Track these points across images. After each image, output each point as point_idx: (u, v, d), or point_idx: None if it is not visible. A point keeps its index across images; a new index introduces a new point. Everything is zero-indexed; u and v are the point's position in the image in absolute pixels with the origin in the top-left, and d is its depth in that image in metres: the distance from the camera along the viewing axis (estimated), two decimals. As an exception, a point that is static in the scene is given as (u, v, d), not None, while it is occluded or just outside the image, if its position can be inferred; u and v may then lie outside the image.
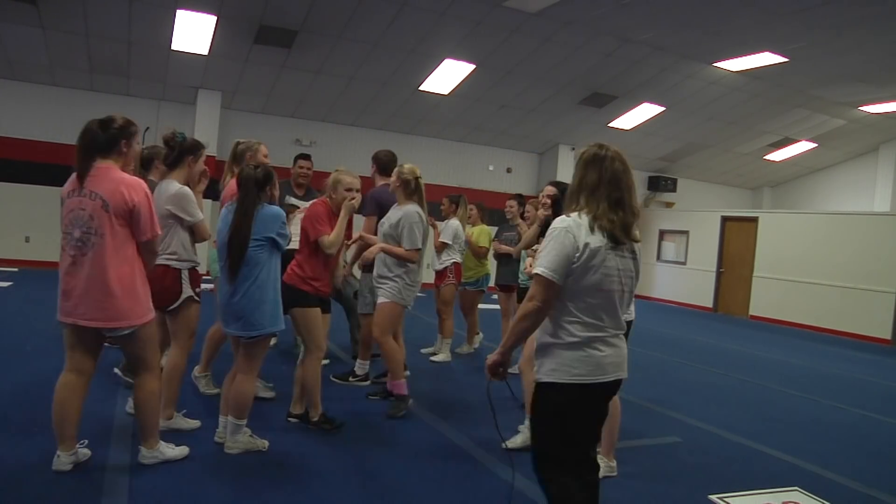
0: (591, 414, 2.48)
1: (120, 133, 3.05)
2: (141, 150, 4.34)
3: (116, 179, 3.00)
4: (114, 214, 2.96)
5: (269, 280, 3.53)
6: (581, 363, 2.35)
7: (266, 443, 3.69)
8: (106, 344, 3.29)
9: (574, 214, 2.38)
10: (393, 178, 4.69)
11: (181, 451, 3.40)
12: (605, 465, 3.64)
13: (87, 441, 3.31)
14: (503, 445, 3.86)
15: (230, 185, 4.27)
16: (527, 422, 4.07)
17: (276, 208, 3.60)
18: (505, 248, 6.32)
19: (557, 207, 4.09)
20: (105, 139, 3.01)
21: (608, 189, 2.39)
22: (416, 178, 4.61)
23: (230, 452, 3.56)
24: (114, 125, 3.04)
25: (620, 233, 2.37)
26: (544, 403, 2.43)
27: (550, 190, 4.21)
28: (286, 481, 3.30)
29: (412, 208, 4.53)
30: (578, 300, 2.35)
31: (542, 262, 2.34)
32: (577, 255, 2.30)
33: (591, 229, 2.33)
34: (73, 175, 3.07)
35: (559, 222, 2.38)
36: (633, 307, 3.58)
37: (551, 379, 2.38)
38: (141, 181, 3.11)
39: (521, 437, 4.06)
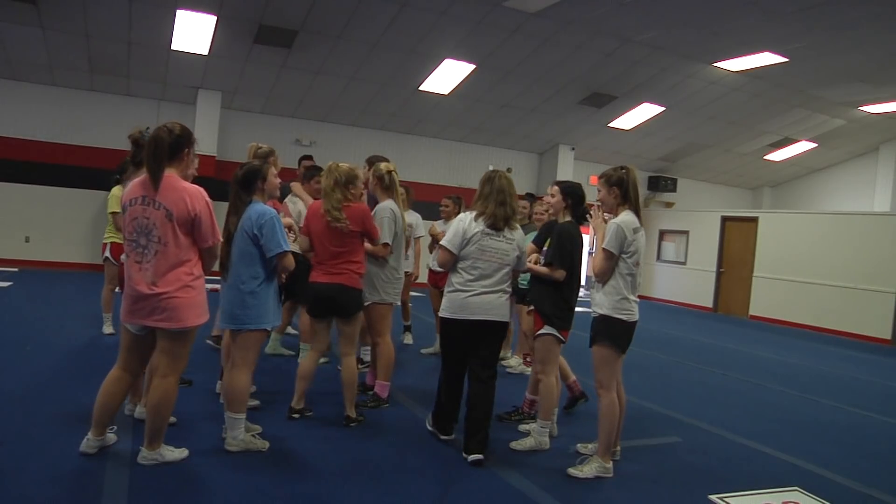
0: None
1: (185, 139, 3.22)
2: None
3: (179, 188, 3.14)
4: (177, 223, 3.11)
5: (257, 278, 3.63)
6: None
7: (266, 444, 3.69)
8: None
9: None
10: (370, 177, 4.87)
11: (181, 453, 3.39)
12: (600, 465, 3.65)
13: (115, 427, 3.49)
14: (511, 446, 4.04)
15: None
16: (536, 425, 4.13)
17: (259, 207, 3.66)
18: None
19: (575, 206, 4.15)
20: (172, 145, 3.15)
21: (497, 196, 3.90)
22: (389, 173, 4.76)
23: (230, 449, 3.57)
24: (176, 132, 3.18)
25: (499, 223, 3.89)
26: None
27: (555, 191, 4.24)
28: (287, 481, 3.30)
29: (385, 204, 4.67)
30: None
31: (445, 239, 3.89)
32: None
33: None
34: (135, 182, 3.19)
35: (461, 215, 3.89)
36: (637, 307, 3.64)
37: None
38: (201, 189, 3.22)
39: (529, 441, 4.08)
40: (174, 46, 9.88)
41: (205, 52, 10.07)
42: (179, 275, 3.14)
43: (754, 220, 13.43)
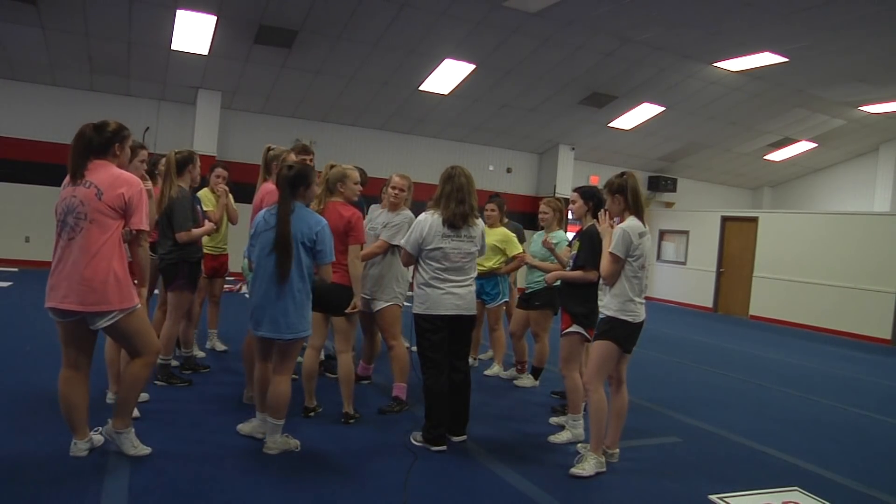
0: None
1: (114, 137, 3.24)
2: (173, 154, 4.58)
3: (114, 173, 3.17)
4: (105, 203, 3.10)
5: (307, 285, 3.64)
6: None
7: (297, 442, 3.74)
8: None
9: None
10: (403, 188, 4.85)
11: (143, 450, 3.38)
12: (595, 459, 3.71)
13: (101, 428, 3.44)
14: (549, 440, 4.25)
15: (262, 188, 4.43)
16: (569, 419, 4.32)
17: (314, 215, 3.70)
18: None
19: (596, 208, 4.24)
20: (99, 143, 3.19)
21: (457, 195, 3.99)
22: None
23: (269, 453, 3.61)
24: (108, 129, 3.22)
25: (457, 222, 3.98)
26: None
27: (575, 196, 4.45)
28: (286, 481, 3.30)
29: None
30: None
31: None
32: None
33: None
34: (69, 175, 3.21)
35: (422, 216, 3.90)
36: (643, 309, 3.68)
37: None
38: (137, 178, 3.27)
39: (565, 434, 4.26)
40: (174, 46, 9.88)
41: (205, 52, 10.07)
42: (104, 256, 3.09)
43: (754, 220, 13.43)
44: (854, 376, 7.83)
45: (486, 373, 6.12)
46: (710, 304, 14.08)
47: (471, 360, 6.66)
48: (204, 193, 5.49)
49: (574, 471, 3.68)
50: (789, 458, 4.33)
